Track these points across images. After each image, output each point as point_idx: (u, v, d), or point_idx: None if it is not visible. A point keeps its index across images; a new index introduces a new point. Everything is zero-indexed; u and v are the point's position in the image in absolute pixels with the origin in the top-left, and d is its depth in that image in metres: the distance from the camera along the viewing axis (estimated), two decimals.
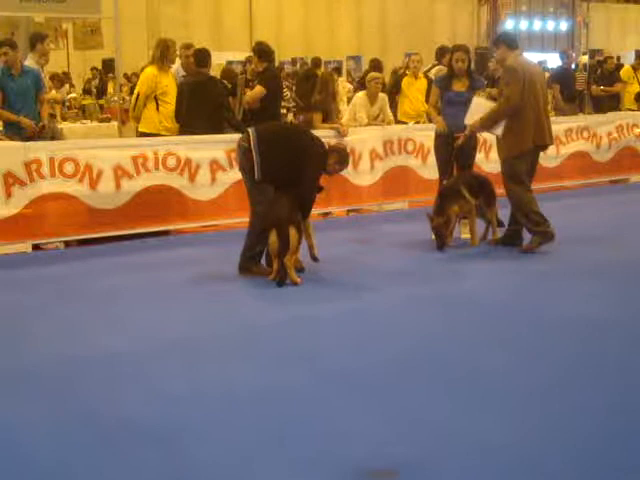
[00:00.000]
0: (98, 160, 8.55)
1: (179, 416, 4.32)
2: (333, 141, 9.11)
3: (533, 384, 4.73)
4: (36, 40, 9.44)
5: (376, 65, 13.01)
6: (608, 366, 5.02)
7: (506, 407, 4.40)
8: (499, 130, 7.91)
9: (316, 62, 15.35)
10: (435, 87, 8.90)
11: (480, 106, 8.11)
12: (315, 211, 8.62)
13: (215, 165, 9.22)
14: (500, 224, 8.56)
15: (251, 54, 11.30)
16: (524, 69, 7.89)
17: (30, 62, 9.22)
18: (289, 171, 6.97)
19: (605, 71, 15.63)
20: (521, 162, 7.94)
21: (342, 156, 7.41)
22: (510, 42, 8.08)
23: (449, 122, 8.54)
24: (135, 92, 9.66)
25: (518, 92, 7.74)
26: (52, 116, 11.47)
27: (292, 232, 6.84)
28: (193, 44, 10.37)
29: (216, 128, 9.41)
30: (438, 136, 8.76)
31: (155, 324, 5.97)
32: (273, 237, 6.86)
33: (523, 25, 31.83)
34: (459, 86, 8.61)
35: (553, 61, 21.72)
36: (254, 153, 7.02)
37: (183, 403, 4.50)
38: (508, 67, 7.93)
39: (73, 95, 17.74)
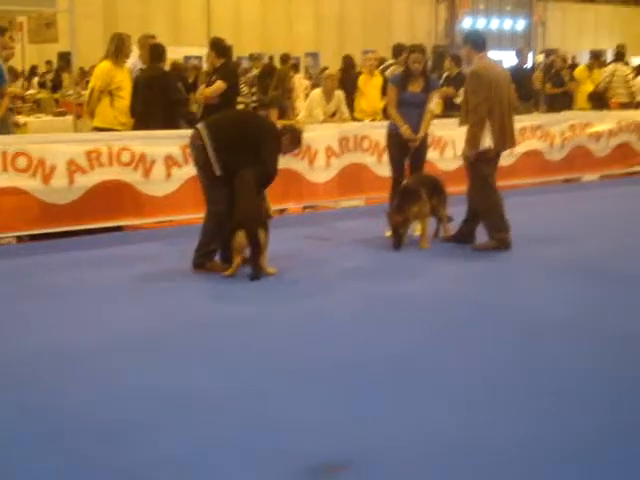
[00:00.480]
0: (51, 155, 8.47)
1: (130, 412, 4.32)
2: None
3: (483, 379, 4.80)
4: None
5: (349, 62, 13.06)
6: (568, 365, 5.11)
7: (455, 401, 4.46)
8: (488, 141, 7.82)
9: (284, 58, 15.52)
10: (393, 86, 8.78)
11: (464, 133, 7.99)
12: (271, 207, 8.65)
13: (170, 161, 9.16)
14: (449, 219, 8.67)
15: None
16: (489, 73, 7.83)
17: None
18: (246, 157, 6.93)
19: (556, 70, 15.76)
20: (488, 165, 7.99)
21: (295, 136, 7.41)
22: (476, 43, 7.97)
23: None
24: (89, 86, 9.58)
25: (485, 100, 7.71)
26: (10, 110, 11.29)
27: (261, 233, 6.87)
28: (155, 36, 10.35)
29: (171, 123, 9.37)
30: (391, 136, 8.74)
31: (107, 320, 5.93)
32: (240, 236, 6.86)
33: (481, 24, 32.08)
34: (415, 87, 8.59)
35: (509, 60, 21.90)
36: (208, 149, 6.99)
37: (134, 399, 4.49)
38: (473, 73, 7.86)
39: (31, 92, 17.54)
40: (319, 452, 3.87)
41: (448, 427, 4.13)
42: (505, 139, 8.02)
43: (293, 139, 7.36)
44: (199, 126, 7.18)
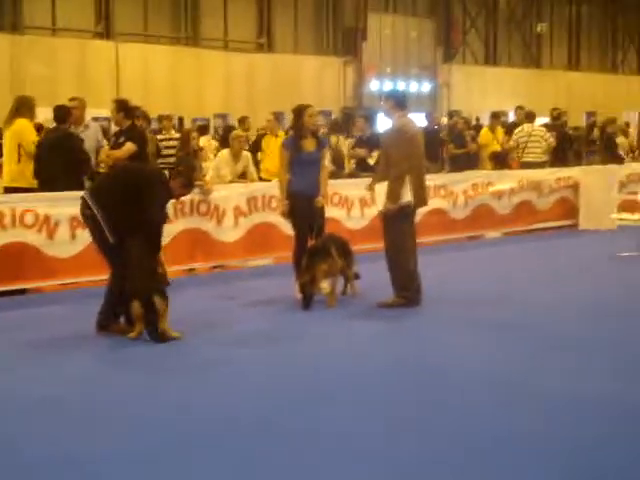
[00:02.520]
0: None
1: None
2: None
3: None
4: None
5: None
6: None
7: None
8: (408, 196, 7.90)
9: (241, 120, 15.60)
10: (284, 150, 8.76)
11: (383, 189, 8.02)
12: (179, 267, 8.63)
13: (75, 222, 9.01)
14: (356, 277, 8.78)
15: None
16: (410, 130, 8.06)
17: None
18: (138, 215, 6.88)
19: (458, 132, 16.14)
20: (405, 221, 8.09)
21: (187, 178, 7.33)
22: (399, 100, 8.18)
23: (302, 182, 8.55)
24: (9, 145, 9.45)
25: (406, 156, 7.86)
26: None
27: (157, 300, 6.79)
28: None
29: (76, 184, 9.27)
30: (293, 197, 8.60)
31: (6, 384, 5.82)
32: (136, 305, 6.81)
33: (387, 86, 32.65)
34: (309, 146, 8.67)
35: (416, 122, 22.37)
36: (99, 217, 6.95)
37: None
38: (395, 129, 8.03)
39: None
40: None
41: None
42: (424, 196, 8.21)
43: (185, 182, 7.29)
44: (84, 195, 7.14)
